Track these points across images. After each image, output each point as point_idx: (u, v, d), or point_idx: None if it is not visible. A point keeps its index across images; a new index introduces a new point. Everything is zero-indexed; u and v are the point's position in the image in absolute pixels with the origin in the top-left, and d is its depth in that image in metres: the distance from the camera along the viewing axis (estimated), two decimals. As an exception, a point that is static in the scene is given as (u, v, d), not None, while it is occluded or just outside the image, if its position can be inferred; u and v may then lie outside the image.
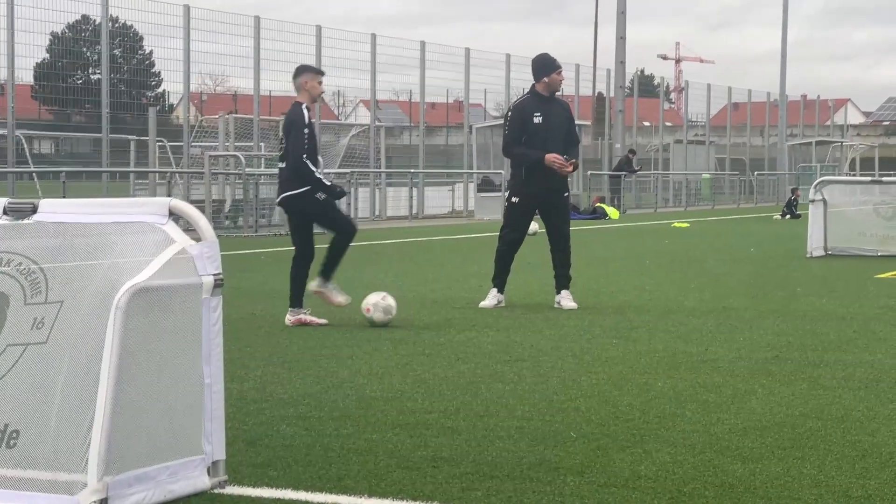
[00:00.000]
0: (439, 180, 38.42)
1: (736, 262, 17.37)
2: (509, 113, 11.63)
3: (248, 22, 29.11)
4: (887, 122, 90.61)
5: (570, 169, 11.25)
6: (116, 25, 28.88)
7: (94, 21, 28.13)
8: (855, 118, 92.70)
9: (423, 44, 34.95)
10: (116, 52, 30.71)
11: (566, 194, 11.57)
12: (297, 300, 10.08)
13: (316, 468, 5.24)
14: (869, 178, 21.44)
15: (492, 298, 11.34)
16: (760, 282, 14.03)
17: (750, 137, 55.69)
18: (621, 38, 40.19)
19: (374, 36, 33.00)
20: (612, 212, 34.31)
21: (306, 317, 10.00)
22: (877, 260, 17.30)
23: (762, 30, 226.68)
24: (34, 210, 4.98)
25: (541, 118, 11.26)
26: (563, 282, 11.35)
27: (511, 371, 7.72)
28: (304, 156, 9.99)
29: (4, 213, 5.01)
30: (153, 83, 34.58)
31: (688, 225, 29.77)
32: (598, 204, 34.70)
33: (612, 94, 43.67)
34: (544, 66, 11.40)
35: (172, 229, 4.78)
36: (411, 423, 6.12)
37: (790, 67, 53.06)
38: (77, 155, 35.01)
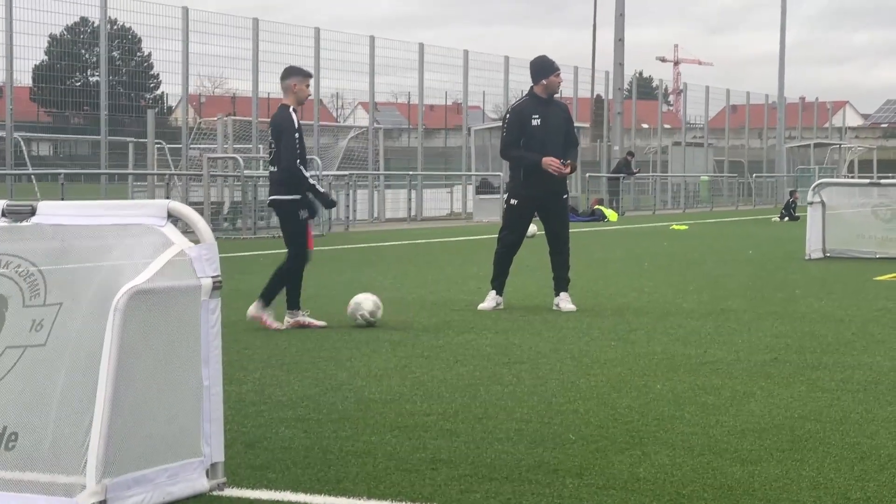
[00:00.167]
0: (438, 182, 38.43)
1: (734, 264, 17.38)
2: (508, 115, 11.63)
3: (246, 24, 29.13)
4: (886, 125, 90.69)
5: (567, 171, 11.25)
6: (115, 27, 28.89)
7: (93, 23, 28.13)
8: (853, 120, 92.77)
9: (421, 46, 34.96)
10: (115, 54, 30.72)
11: (565, 196, 11.57)
12: (293, 303, 10.09)
13: (315, 470, 5.24)
14: (867, 181, 21.45)
15: (490, 300, 11.34)
16: (759, 284, 14.03)
17: (748, 139, 55.72)
18: (620, 41, 40.21)
19: (372, 38, 33.01)
20: (611, 214, 34.31)
21: (305, 318, 10.00)
22: (875, 262, 17.30)
23: (760, 32, 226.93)
24: (33, 212, 4.98)
25: (539, 120, 11.26)
26: (561, 284, 11.35)
27: (510, 373, 7.72)
28: (298, 161, 10.01)
29: (3, 215, 5.00)
30: (152, 85, 34.58)
31: (686, 227, 29.78)
32: (596, 206, 34.71)
33: (610, 97, 43.68)
34: (543, 68, 11.41)
35: (171, 231, 4.77)
36: (410, 426, 6.12)
37: (789, 69, 52.98)
38: (75, 157, 35.01)
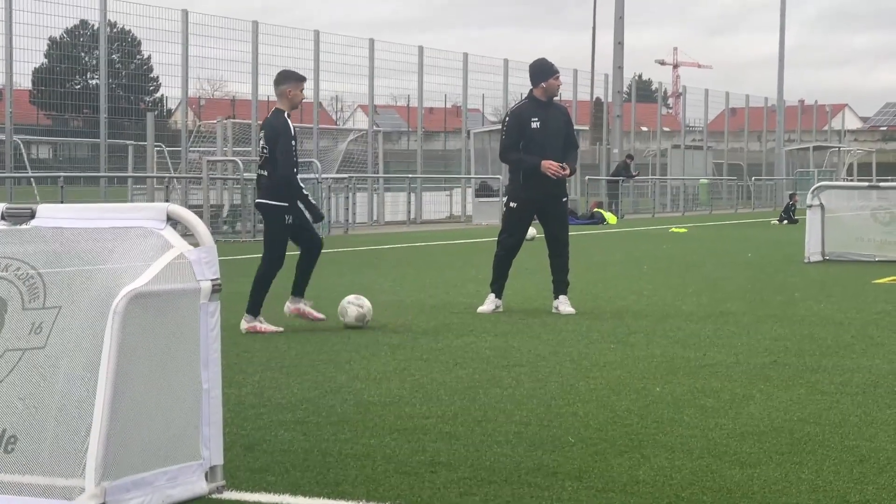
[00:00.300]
0: (437, 185, 38.43)
1: (734, 267, 17.38)
2: (507, 118, 11.63)
3: (246, 27, 29.14)
4: (885, 128, 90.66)
5: (566, 173, 11.25)
6: (115, 30, 28.89)
7: (93, 26, 28.13)
8: (852, 123, 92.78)
9: (421, 49, 34.98)
10: (115, 57, 30.73)
11: (564, 199, 11.57)
12: (298, 290, 10.23)
13: (314, 473, 5.24)
14: (866, 184, 21.46)
15: (490, 303, 11.34)
16: (758, 287, 14.04)
17: (747, 142, 55.73)
18: (619, 44, 40.22)
19: (372, 41, 33.03)
20: (610, 217, 34.32)
21: (305, 308, 10.10)
22: (874, 265, 17.31)
23: (760, 35, 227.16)
24: (32, 215, 4.99)
25: (538, 123, 11.26)
26: (561, 287, 11.35)
27: (509, 376, 7.73)
28: (295, 169, 10.03)
29: (3, 218, 5.01)
30: (151, 88, 34.57)
31: (685, 230, 29.78)
32: (595, 209, 34.72)
33: (609, 100, 43.70)
34: (542, 71, 11.41)
35: (170, 234, 4.78)
36: (409, 428, 6.12)
37: (788, 72, 53.07)
38: (75, 160, 34.98)
